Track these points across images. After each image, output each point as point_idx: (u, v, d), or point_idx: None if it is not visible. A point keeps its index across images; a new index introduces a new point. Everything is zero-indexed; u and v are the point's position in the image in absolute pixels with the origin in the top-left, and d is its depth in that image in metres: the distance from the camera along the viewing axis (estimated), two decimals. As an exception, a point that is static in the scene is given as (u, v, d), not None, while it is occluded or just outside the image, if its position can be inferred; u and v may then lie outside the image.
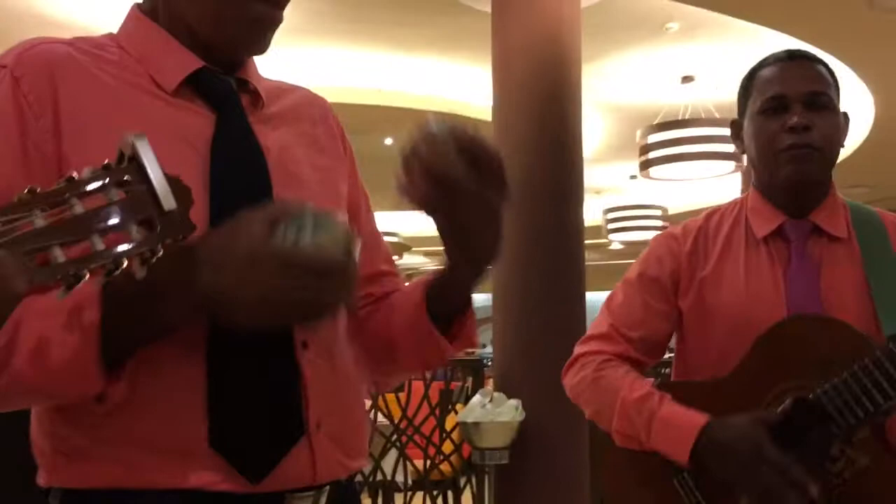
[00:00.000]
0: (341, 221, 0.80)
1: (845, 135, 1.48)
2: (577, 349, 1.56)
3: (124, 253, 0.62)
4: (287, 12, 1.00)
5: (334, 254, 0.77)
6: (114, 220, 0.61)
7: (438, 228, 0.92)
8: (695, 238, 1.52)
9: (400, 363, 1.09)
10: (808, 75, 1.44)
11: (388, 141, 7.30)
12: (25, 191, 0.59)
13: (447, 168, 0.83)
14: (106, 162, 0.62)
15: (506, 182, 0.87)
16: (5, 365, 0.79)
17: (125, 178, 0.62)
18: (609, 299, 1.57)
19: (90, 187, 0.61)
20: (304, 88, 1.10)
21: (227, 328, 0.80)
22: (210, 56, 0.96)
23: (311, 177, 1.00)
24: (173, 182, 0.65)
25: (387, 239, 1.27)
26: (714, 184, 7.47)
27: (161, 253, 0.64)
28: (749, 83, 1.49)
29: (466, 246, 0.94)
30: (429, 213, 0.89)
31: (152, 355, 0.84)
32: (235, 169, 0.92)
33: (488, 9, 4.62)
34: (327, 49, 5.90)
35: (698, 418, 1.35)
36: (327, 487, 0.95)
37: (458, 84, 6.56)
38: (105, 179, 0.62)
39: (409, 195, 0.85)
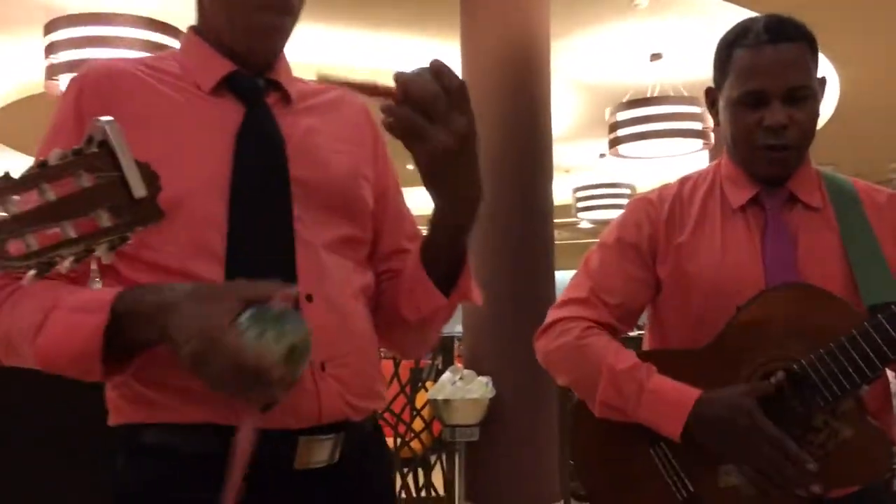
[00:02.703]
0: (297, 322, 0.91)
1: (821, 101, 1.46)
2: (553, 313, 1.53)
3: (94, 240, 0.64)
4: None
5: (271, 359, 0.87)
6: (84, 206, 0.63)
7: (418, 163, 1.00)
8: (671, 204, 1.51)
9: (404, 323, 1.18)
10: (788, 63, 1.38)
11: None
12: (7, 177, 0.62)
13: (424, 88, 0.94)
14: (76, 147, 0.65)
15: (469, 105, 0.97)
16: (33, 340, 0.98)
17: (96, 164, 0.64)
18: (585, 262, 1.55)
19: (61, 172, 0.63)
20: (340, 90, 1.25)
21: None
22: (241, 61, 1.14)
23: (331, 159, 1.15)
24: (143, 168, 0.68)
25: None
26: (682, 161, 7.51)
27: (130, 240, 0.68)
28: (727, 58, 1.43)
29: (445, 177, 1.02)
30: (409, 141, 0.96)
31: None
32: (255, 150, 1.09)
33: (457, -16, 4.59)
34: (296, 27, 5.81)
35: (689, 392, 1.35)
36: (342, 432, 1.09)
37: (427, 61, 6.50)
38: (76, 164, 0.64)
39: (393, 122, 0.94)
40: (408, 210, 1.31)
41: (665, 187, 1.56)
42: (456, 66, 4.51)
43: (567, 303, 1.53)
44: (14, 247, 0.61)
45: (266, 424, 0.97)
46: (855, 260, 1.39)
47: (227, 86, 1.13)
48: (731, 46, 1.44)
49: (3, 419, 2.13)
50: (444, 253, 1.11)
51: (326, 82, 0.91)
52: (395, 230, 1.25)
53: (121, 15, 4.49)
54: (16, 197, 0.61)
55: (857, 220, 1.42)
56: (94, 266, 1.04)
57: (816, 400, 1.31)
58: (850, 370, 1.29)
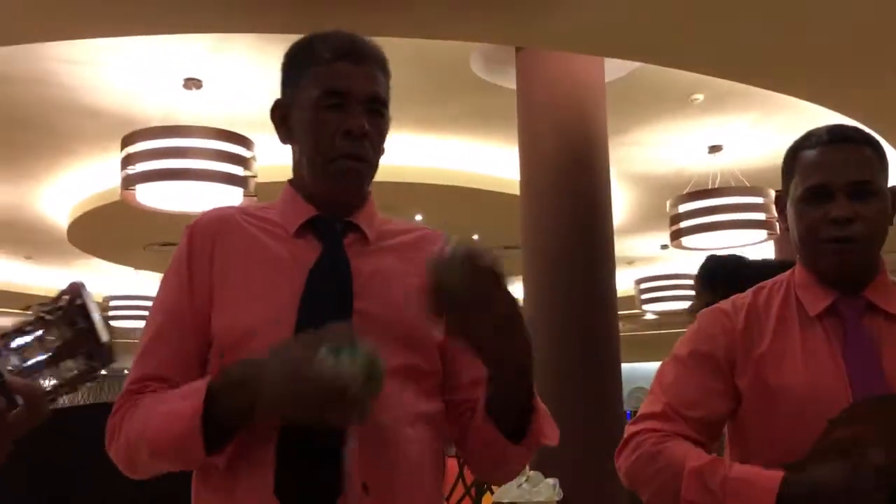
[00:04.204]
0: (370, 351, 1.04)
1: (895, 210, 1.45)
2: (630, 429, 1.48)
3: (83, 377, 0.84)
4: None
5: (350, 381, 1.01)
6: (70, 351, 0.83)
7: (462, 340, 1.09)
8: (746, 314, 1.47)
9: (480, 460, 1.26)
10: (851, 161, 1.39)
11: (419, 217, 7.37)
12: (9, 332, 0.82)
13: (453, 289, 1.03)
14: (59, 306, 0.83)
15: (503, 281, 1.05)
16: (142, 431, 1.14)
17: (73, 318, 0.83)
18: (659, 377, 1.51)
19: (51, 326, 0.83)
20: (425, 229, 1.38)
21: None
22: (324, 207, 1.28)
23: (400, 294, 1.24)
24: (105, 320, 0.85)
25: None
26: (747, 252, 7.40)
27: (99, 377, 0.87)
28: (791, 163, 1.46)
29: (487, 350, 1.10)
30: (450, 331, 1.07)
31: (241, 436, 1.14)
32: (324, 284, 1.23)
33: (513, 86, 4.71)
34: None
35: (775, 472, 1.30)
36: None
37: (486, 159, 6.64)
38: (60, 319, 0.83)
39: (433, 319, 1.05)
40: None
41: (738, 297, 1.52)
42: (515, 166, 4.59)
43: (642, 418, 1.48)
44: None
45: None
46: None
47: (309, 228, 1.27)
48: (795, 151, 1.46)
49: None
50: (507, 406, 1.17)
51: None
52: (473, 362, 1.24)
53: (194, 127, 4.72)
54: (28, 345, 0.82)
55: None
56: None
57: None
58: None
